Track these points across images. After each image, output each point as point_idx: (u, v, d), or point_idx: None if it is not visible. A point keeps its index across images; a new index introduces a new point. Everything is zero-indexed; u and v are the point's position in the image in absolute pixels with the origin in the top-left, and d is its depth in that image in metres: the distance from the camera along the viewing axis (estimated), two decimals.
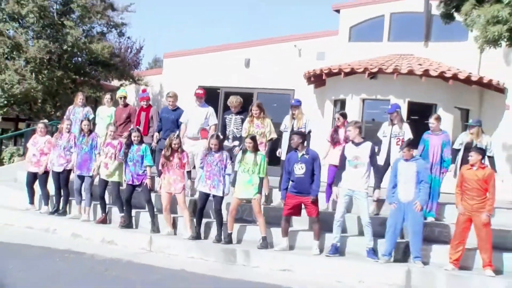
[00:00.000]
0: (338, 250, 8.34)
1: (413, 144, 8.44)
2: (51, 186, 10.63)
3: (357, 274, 7.82)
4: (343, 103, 14.88)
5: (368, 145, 8.46)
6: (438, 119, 9.39)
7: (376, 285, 7.62)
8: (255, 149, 8.77)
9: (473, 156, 8.02)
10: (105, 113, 11.35)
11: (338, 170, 8.68)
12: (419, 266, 7.86)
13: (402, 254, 8.30)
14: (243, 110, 10.12)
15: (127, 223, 9.61)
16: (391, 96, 13.97)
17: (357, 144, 8.43)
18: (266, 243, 8.60)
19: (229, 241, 8.75)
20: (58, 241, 9.11)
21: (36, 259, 7.89)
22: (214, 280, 7.43)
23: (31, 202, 10.75)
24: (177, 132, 9.81)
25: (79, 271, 7.36)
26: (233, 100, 10.04)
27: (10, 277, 6.68)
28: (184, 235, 9.07)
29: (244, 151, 8.78)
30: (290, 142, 8.75)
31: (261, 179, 8.73)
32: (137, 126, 10.29)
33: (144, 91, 12.19)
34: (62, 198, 10.45)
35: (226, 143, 9.73)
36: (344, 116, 9.71)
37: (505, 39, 9.62)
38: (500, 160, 14.26)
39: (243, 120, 9.94)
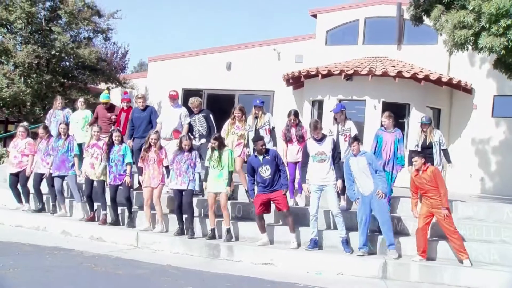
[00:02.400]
0: (317, 244, 8.61)
1: (359, 139, 8.77)
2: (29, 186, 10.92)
3: (336, 267, 8.10)
4: (320, 103, 15.31)
5: (330, 139, 8.84)
6: (390, 116, 9.61)
7: (354, 277, 7.88)
8: (221, 146, 9.08)
9: (417, 161, 8.33)
10: (79, 115, 11.66)
11: (302, 168, 8.99)
12: (393, 257, 8.15)
13: (379, 246, 8.59)
14: (203, 109, 10.65)
15: (115, 221, 9.94)
16: (366, 97, 14.46)
17: (319, 140, 8.76)
18: (230, 235, 8.98)
19: (212, 236, 9.07)
20: (48, 239, 9.29)
21: (25, 256, 7.97)
22: (199, 274, 7.62)
23: (20, 201, 11.02)
24: (157, 130, 10.16)
25: (69, 267, 7.48)
26: (193, 101, 10.49)
27: None
28: (156, 228, 9.46)
29: (212, 149, 9.12)
30: (256, 147, 8.97)
31: (230, 172, 9.06)
32: (117, 127, 10.61)
33: (125, 93, 12.47)
34: (50, 198, 10.72)
35: (194, 142, 10.09)
36: (297, 116, 9.95)
37: (471, 43, 9.93)
38: (469, 156, 14.95)
39: (205, 117, 10.36)
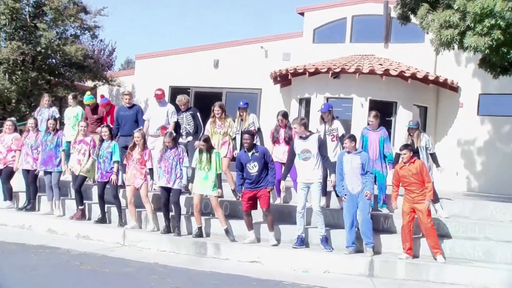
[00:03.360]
0: (303, 242, 8.63)
1: (354, 137, 8.79)
2: (16, 182, 10.89)
3: (322, 265, 8.13)
4: (308, 101, 15.35)
5: (315, 137, 8.81)
6: (377, 116, 9.68)
7: (341, 275, 7.93)
8: (210, 148, 9.07)
9: (406, 154, 8.39)
10: (71, 113, 11.56)
11: (286, 165, 9.05)
12: (368, 254, 8.21)
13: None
14: (191, 107, 10.64)
15: (101, 218, 9.88)
16: (353, 95, 14.53)
17: (304, 138, 8.74)
18: (232, 235, 8.92)
19: (199, 234, 9.06)
20: (34, 237, 9.24)
21: (10, 255, 7.93)
22: (186, 272, 7.62)
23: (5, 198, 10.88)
24: (141, 127, 10.12)
25: (54, 266, 7.46)
26: (181, 99, 10.49)
27: None
28: (148, 227, 9.42)
29: (200, 151, 9.06)
30: (242, 142, 9.00)
31: (219, 175, 9.03)
32: (108, 124, 10.52)
33: (102, 96, 12.38)
34: (31, 194, 10.62)
35: (181, 140, 10.13)
36: (285, 116, 10.02)
37: (457, 42, 10.01)
38: (455, 154, 15.10)
39: (192, 115, 10.35)
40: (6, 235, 9.24)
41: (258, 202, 8.86)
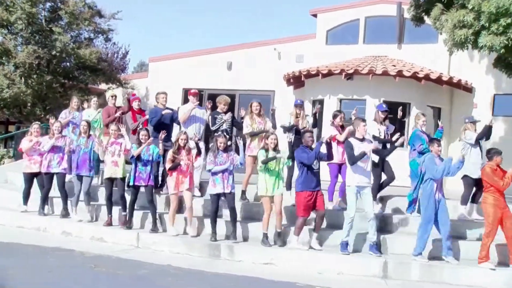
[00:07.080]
0: (348, 246, 8.40)
1: (439, 141, 8.64)
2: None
3: (336, 266, 8.12)
4: (321, 103, 15.28)
5: (369, 141, 8.66)
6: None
7: (355, 277, 7.93)
8: (276, 146, 8.75)
9: (499, 158, 8.18)
10: (88, 116, 11.42)
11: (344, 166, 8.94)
12: (454, 263, 7.97)
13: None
14: (229, 109, 10.23)
15: (129, 223, 9.68)
16: (366, 96, 14.47)
17: (362, 140, 8.56)
18: (281, 239, 8.72)
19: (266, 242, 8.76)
20: (49, 240, 9.31)
21: (27, 257, 8.04)
22: (199, 274, 7.64)
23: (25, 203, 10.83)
24: (183, 130, 9.83)
25: (69, 268, 7.52)
26: (224, 99, 10.08)
27: (1, 275, 6.76)
28: (191, 232, 9.23)
29: (266, 150, 8.70)
30: (306, 139, 8.65)
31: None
32: (146, 127, 10.24)
33: (133, 95, 12.29)
34: (61, 200, 10.47)
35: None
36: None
37: (471, 42, 9.98)
38: None
39: (233, 118, 10.08)
40: (23, 237, 9.35)
41: (316, 204, 8.52)
